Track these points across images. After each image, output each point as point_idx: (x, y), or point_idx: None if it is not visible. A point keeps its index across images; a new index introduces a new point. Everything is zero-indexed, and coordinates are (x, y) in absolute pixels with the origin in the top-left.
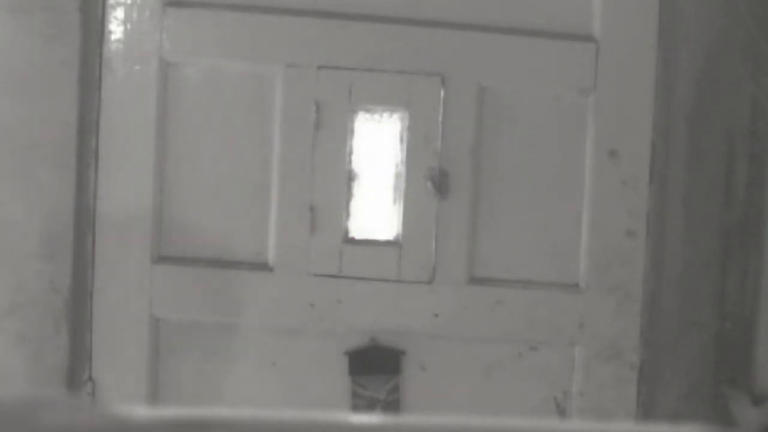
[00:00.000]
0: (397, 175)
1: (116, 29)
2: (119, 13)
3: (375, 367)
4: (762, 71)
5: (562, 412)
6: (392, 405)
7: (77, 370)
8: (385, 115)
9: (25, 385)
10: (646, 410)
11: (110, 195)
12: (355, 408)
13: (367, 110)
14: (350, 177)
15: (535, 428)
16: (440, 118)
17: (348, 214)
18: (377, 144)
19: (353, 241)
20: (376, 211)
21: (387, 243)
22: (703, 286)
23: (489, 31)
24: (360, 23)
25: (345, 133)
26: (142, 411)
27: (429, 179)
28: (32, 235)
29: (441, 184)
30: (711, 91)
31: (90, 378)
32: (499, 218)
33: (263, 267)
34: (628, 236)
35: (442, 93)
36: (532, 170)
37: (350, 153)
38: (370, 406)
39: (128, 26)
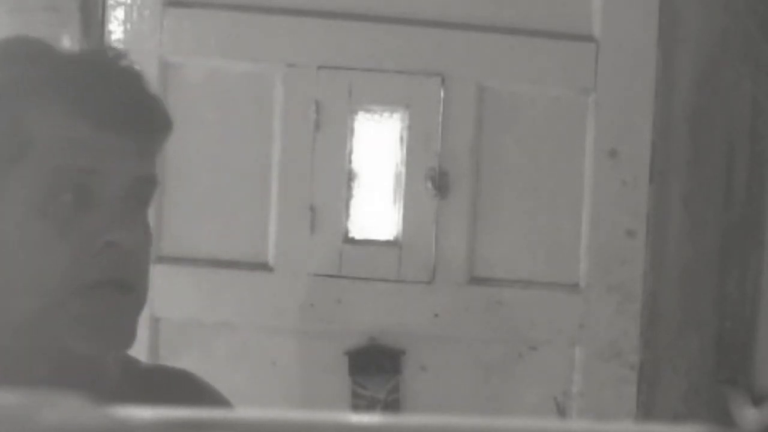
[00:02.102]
0: (397, 175)
1: (116, 29)
2: (119, 13)
3: (375, 367)
4: (762, 71)
5: (562, 412)
6: (392, 405)
7: None
8: (385, 115)
9: None
10: (646, 410)
11: None
12: (355, 408)
13: (367, 110)
14: (350, 177)
15: (535, 428)
16: (440, 118)
17: (348, 214)
18: (377, 144)
19: (353, 241)
20: (376, 211)
21: (387, 243)
22: (703, 286)
23: (489, 31)
24: (360, 23)
25: (345, 133)
26: (142, 411)
27: (429, 179)
28: None
29: (441, 184)
30: (711, 91)
31: None
32: (499, 218)
33: (263, 267)
34: (628, 236)
35: (442, 93)
36: (532, 170)
37: (350, 153)
38: (370, 406)
39: (128, 26)
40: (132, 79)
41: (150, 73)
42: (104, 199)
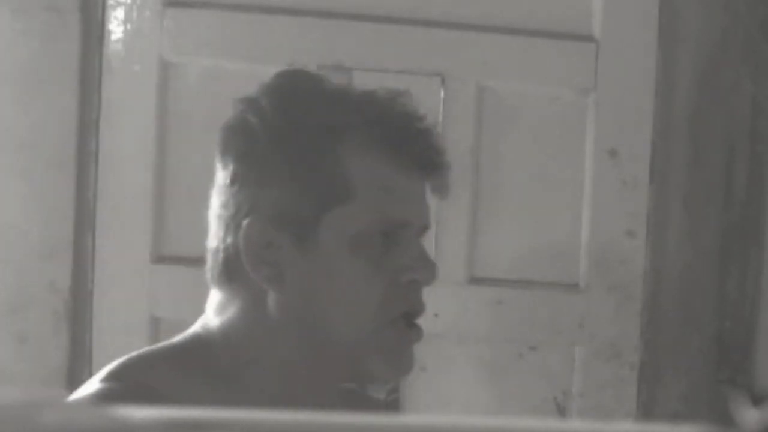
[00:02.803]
0: None
1: (116, 29)
2: (119, 13)
3: None
4: (762, 71)
5: (562, 412)
6: (392, 405)
7: (77, 370)
8: None
9: (25, 385)
10: (646, 410)
11: (110, 195)
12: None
13: None
14: None
15: (535, 428)
16: (440, 118)
17: None
18: None
19: None
20: None
21: None
22: (703, 286)
23: (489, 31)
24: (360, 23)
25: None
26: (142, 411)
27: None
28: (32, 235)
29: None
30: (711, 91)
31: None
32: (499, 218)
33: None
34: (628, 236)
35: (442, 93)
36: (532, 170)
37: None
38: None
39: (128, 26)
40: (425, 123)
41: (150, 73)
42: (406, 240)
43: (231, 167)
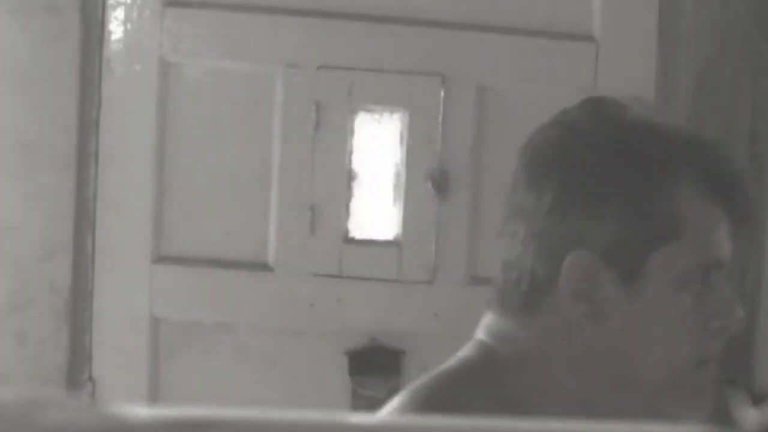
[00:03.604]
0: (397, 175)
1: (116, 29)
2: (119, 13)
3: (375, 367)
4: (762, 71)
5: None
6: None
7: (77, 370)
8: (385, 115)
9: (25, 385)
10: None
11: (110, 195)
12: (355, 408)
13: (367, 110)
14: (350, 177)
15: (535, 428)
16: (440, 118)
17: (348, 214)
18: (377, 144)
19: (353, 241)
20: (376, 211)
21: (387, 243)
22: None
23: (489, 31)
24: (360, 23)
25: (345, 133)
26: (142, 411)
27: (429, 179)
28: (32, 236)
29: (441, 184)
30: (711, 91)
31: (90, 378)
32: (499, 218)
33: (263, 267)
34: None
35: (442, 93)
36: None
37: (350, 153)
38: (370, 406)
39: (128, 26)
40: (741, 168)
41: (150, 73)
42: (718, 282)
43: (550, 195)
